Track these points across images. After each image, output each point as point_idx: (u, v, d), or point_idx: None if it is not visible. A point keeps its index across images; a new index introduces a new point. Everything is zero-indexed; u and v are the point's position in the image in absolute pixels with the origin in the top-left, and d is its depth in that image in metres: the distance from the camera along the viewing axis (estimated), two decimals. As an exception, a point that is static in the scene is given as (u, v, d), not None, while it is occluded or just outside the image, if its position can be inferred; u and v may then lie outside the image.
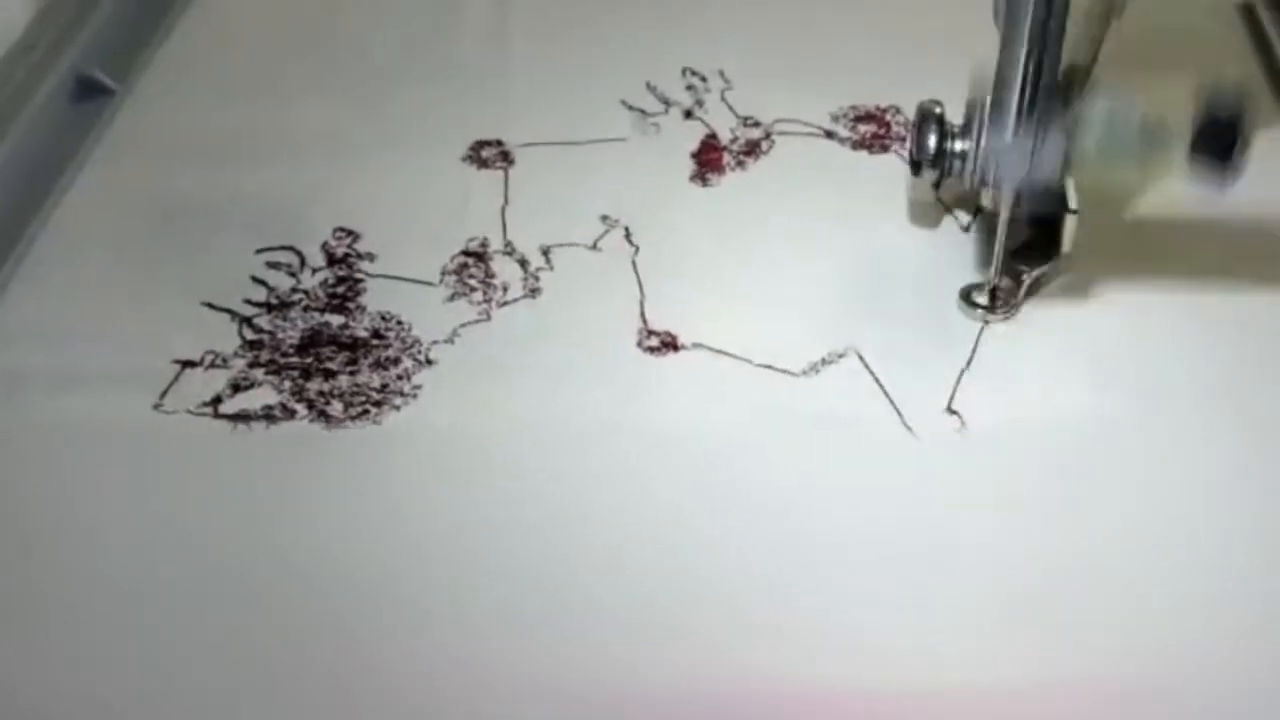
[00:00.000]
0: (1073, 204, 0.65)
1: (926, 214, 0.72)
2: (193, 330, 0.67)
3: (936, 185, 0.68)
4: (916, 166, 0.66)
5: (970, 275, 0.68)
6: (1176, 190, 0.63)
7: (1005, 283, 0.67)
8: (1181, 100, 0.61)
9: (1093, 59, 0.64)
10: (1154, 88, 0.63)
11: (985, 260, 0.68)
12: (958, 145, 0.65)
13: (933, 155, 0.66)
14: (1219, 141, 0.60)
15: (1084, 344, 0.66)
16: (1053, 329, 0.66)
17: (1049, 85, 0.62)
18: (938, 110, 0.66)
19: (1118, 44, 0.64)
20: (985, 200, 0.68)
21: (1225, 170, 0.61)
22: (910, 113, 0.77)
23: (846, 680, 0.53)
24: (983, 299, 0.67)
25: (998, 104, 0.63)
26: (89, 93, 0.81)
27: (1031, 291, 0.67)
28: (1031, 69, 0.61)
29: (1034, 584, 0.56)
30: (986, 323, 0.66)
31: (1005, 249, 0.66)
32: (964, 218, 0.72)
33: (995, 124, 0.63)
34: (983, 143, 0.63)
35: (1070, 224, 0.65)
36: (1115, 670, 0.53)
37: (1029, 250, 0.68)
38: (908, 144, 0.67)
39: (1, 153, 0.75)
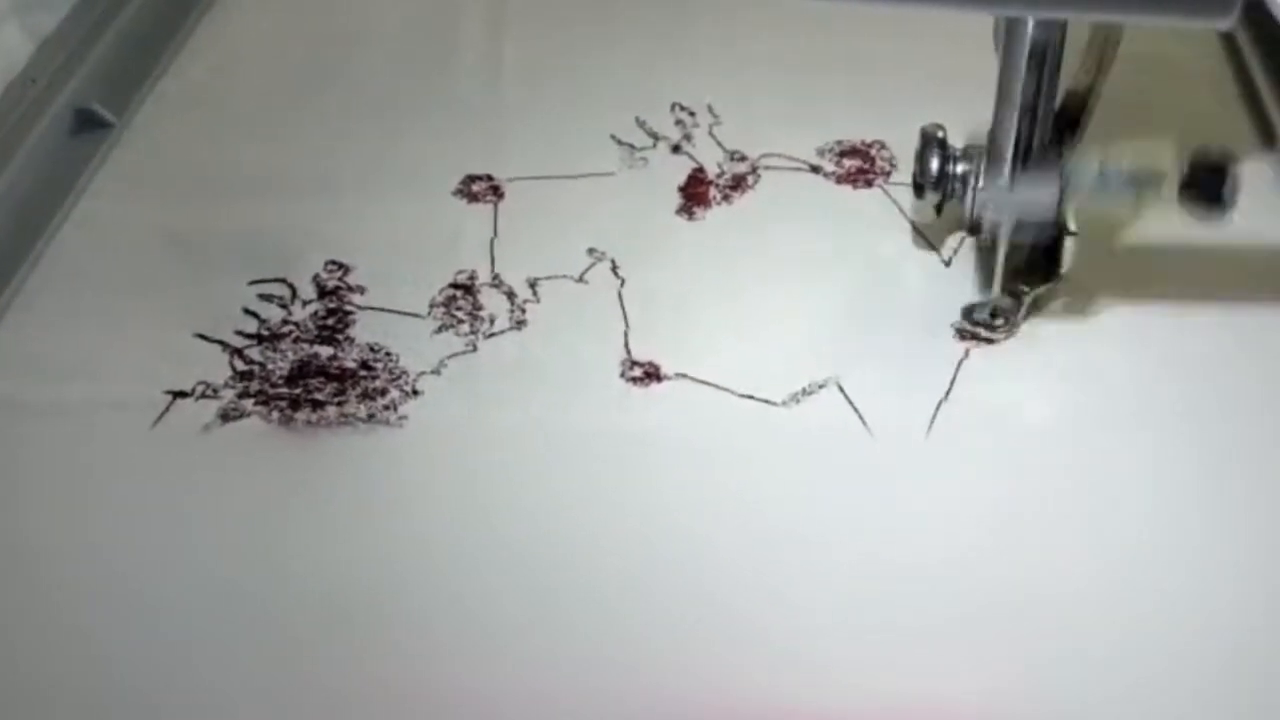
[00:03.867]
0: (1072, 226, 0.66)
1: (909, 247, 0.73)
2: (185, 361, 0.68)
3: (939, 208, 0.69)
4: (919, 189, 0.67)
5: (950, 308, 0.69)
6: (1174, 214, 0.64)
7: (1006, 302, 0.68)
8: (1168, 149, 0.63)
9: (1090, 87, 0.65)
10: (1140, 137, 0.65)
11: (984, 280, 0.69)
12: (959, 168, 0.66)
13: (935, 178, 0.67)
14: (1210, 184, 0.62)
15: (1080, 364, 0.67)
16: (1052, 349, 0.67)
17: (1044, 123, 0.64)
18: (940, 134, 0.67)
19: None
20: (985, 228, 0.69)
21: (1216, 210, 0.62)
22: (895, 148, 0.79)
23: (820, 697, 0.54)
24: (984, 318, 0.68)
25: (994, 144, 0.64)
26: (87, 126, 0.82)
27: (1031, 311, 0.68)
28: (1029, 101, 0.62)
29: (1017, 602, 0.57)
30: (967, 353, 0.67)
31: (1004, 269, 0.67)
32: (947, 253, 0.73)
33: (991, 169, 0.64)
34: (978, 185, 0.65)
35: (1069, 245, 0.66)
36: (1108, 687, 0.54)
37: (1029, 270, 0.69)
38: (912, 167, 0.68)
39: (1, 184, 0.76)
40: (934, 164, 0.67)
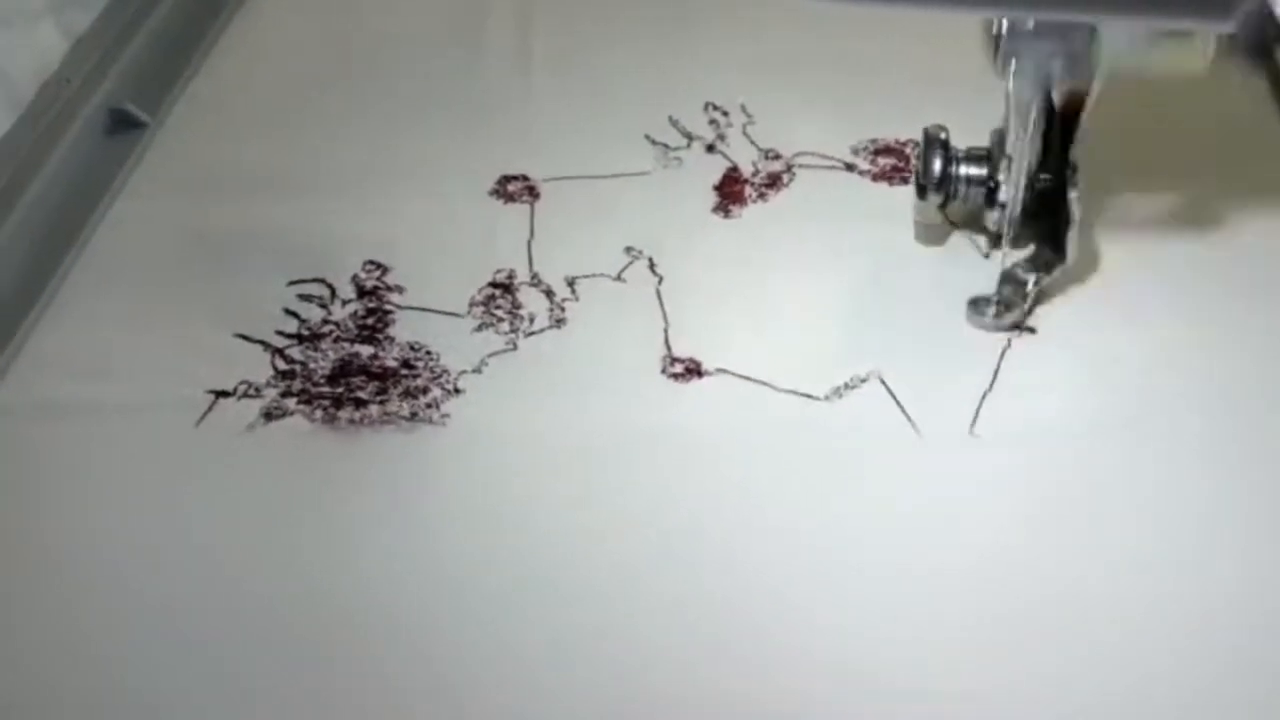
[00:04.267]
0: (1076, 215, 0.66)
1: (944, 241, 0.74)
2: (226, 361, 0.68)
3: (942, 209, 0.69)
4: (922, 190, 0.68)
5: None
6: (1179, 202, 0.64)
7: (1010, 293, 0.68)
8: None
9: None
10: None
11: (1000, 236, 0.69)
12: (963, 170, 0.67)
13: (938, 179, 0.67)
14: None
15: (1090, 355, 0.67)
16: (1062, 341, 0.68)
17: None
18: (943, 135, 0.67)
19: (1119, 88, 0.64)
20: (989, 222, 0.69)
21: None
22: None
23: (867, 695, 0.54)
24: (989, 309, 0.68)
25: None
26: (122, 126, 0.82)
27: (1037, 302, 0.68)
28: None
29: (1053, 599, 0.57)
30: (1009, 343, 0.67)
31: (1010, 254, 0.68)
32: (981, 241, 0.73)
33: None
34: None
35: (1074, 235, 0.67)
36: (1133, 684, 0.54)
37: (1034, 260, 0.69)
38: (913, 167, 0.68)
39: (37, 184, 0.76)
40: (937, 165, 0.67)
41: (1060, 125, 0.65)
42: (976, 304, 0.69)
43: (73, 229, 0.76)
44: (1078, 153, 0.66)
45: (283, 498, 0.62)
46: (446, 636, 0.57)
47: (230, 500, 0.62)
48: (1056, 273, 0.68)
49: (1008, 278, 0.68)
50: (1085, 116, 0.65)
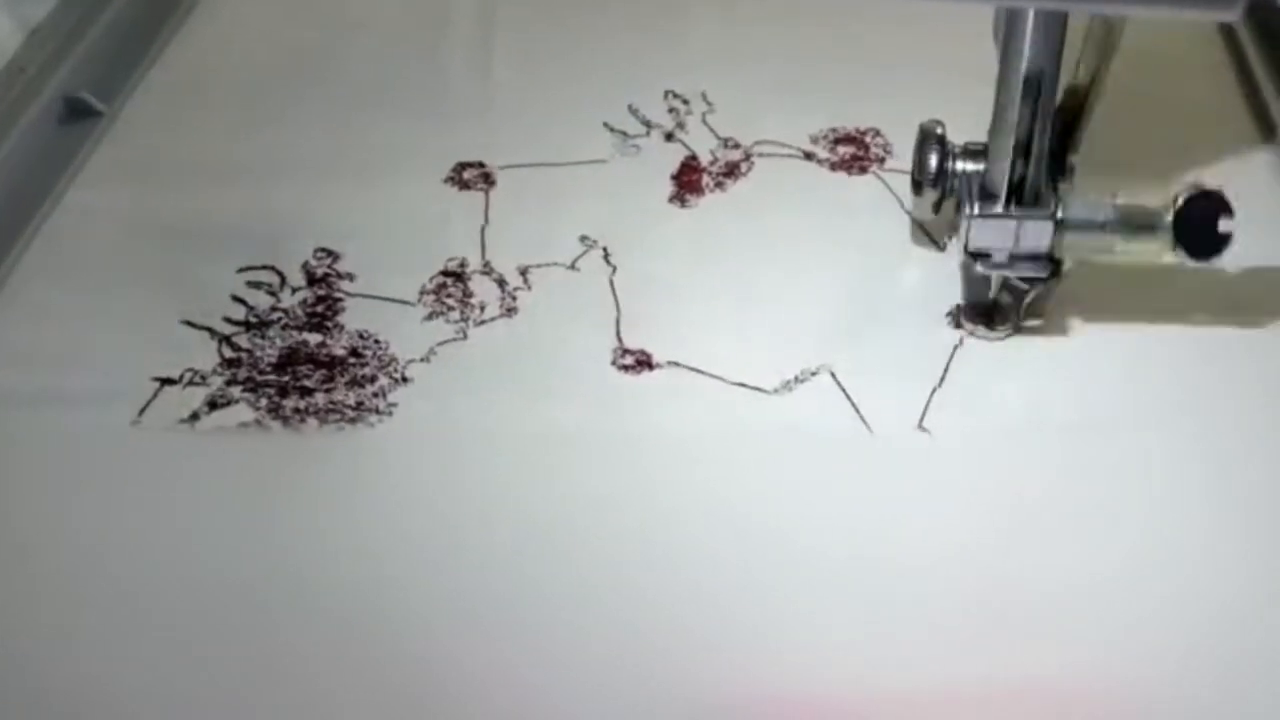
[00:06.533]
0: (1066, 265, 0.65)
1: (904, 235, 0.73)
2: (173, 348, 0.67)
3: (937, 205, 0.68)
4: (918, 186, 0.67)
5: (945, 294, 0.69)
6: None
7: (1006, 300, 0.67)
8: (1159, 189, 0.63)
9: (1090, 83, 0.64)
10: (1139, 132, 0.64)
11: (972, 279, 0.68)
12: (959, 166, 0.66)
13: (934, 175, 0.66)
14: (1203, 221, 0.62)
15: (1073, 361, 0.66)
16: (1049, 346, 0.67)
17: (1039, 161, 0.63)
18: (939, 130, 0.66)
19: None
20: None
21: (1210, 250, 0.62)
22: (889, 135, 0.78)
23: (816, 686, 0.54)
24: (983, 316, 0.67)
25: (988, 177, 0.64)
26: (77, 114, 0.81)
27: (1031, 309, 0.67)
28: (1025, 134, 0.62)
29: (1005, 593, 0.57)
30: (961, 341, 0.67)
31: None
32: (944, 240, 0.72)
33: (984, 198, 0.64)
34: (970, 213, 0.64)
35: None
36: (1092, 677, 0.54)
37: None
38: (910, 164, 0.67)
39: (-9, 171, 0.76)
40: (933, 161, 0.66)
41: (1062, 127, 0.65)
42: (969, 309, 0.68)
43: (25, 217, 0.75)
44: (1075, 158, 0.65)
45: (225, 487, 0.61)
46: (391, 629, 0.56)
47: (171, 490, 0.61)
48: (1054, 281, 0.67)
49: (1005, 286, 0.67)
50: (1086, 117, 0.64)
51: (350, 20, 0.90)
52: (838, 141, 0.79)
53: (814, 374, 0.65)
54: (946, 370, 0.65)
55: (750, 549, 0.58)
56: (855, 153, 0.78)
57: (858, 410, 0.64)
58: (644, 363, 0.67)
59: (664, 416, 0.64)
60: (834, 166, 0.78)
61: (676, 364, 0.66)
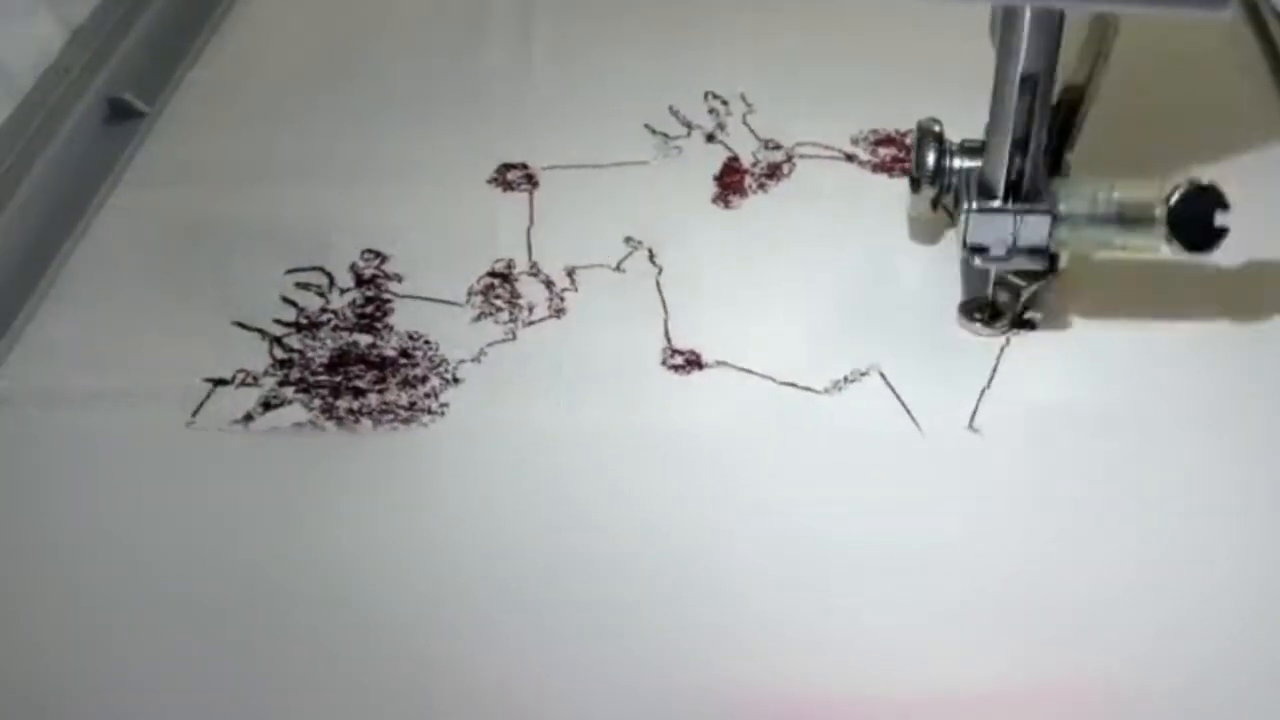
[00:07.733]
0: (1063, 262, 0.66)
1: (944, 234, 0.73)
2: (223, 349, 0.68)
3: (935, 202, 0.69)
4: (915, 184, 0.67)
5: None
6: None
7: (1004, 297, 0.68)
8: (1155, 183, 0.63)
9: (1088, 80, 0.65)
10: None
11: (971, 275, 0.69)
12: (956, 163, 0.66)
13: (931, 173, 0.67)
14: (1198, 215, 0.62)
15: (1091, 351, 0.67)
16: (1062, 338, 0.68)
17: (1036, 156, 0.64)
18: (936, 128, 0.67)
19: (1122, 61, 0.64)
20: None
21: (1205, 243, 0.62)
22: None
23: (866, 690, 0.54)
24: (982, 313, 0.68)
25: (985, 174, 0.65)
26: (120, 115, 0.82)
27: (1028, 306, 0.68)
28: (1022, 132, 0.63)
29: (1050, 593, 0.57)
30: (1008, 342, 0.67)
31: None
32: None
33: (982, 194, 0.65)
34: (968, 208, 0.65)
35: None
36: (1127, 678, 0.54)
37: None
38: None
39: (35, 173, 0.76)
40: (930, 158, 0.67)
41: (1059, 124, 0.65)
42: (967, 307, 0.68)
43: (71, 218, 0.75)
44: (1073, 155, 0.66)
45: (280, 487, 0.62)
46: (443, 627, 0.56)
47: (227, 490, 0.62)
48: (1050, 278, 0.67)
49: (1001, 283, 0.68)
50: (1082, 115, 0.65)
51: (389, 20, 0.91)
52: (878, 143, 0.79)
53: (864, 374, 0.66)
54: (995, 370, 0.66)
55: (803, 550, 0.59)
56: (896, 154, 0.78)
57: (908, 411, 0.64)
58: (693, 363, 0.67)
59: (715, 416, 0.64)
60: (875, 168, 0.78)
61: (725, 364, 0.67)
